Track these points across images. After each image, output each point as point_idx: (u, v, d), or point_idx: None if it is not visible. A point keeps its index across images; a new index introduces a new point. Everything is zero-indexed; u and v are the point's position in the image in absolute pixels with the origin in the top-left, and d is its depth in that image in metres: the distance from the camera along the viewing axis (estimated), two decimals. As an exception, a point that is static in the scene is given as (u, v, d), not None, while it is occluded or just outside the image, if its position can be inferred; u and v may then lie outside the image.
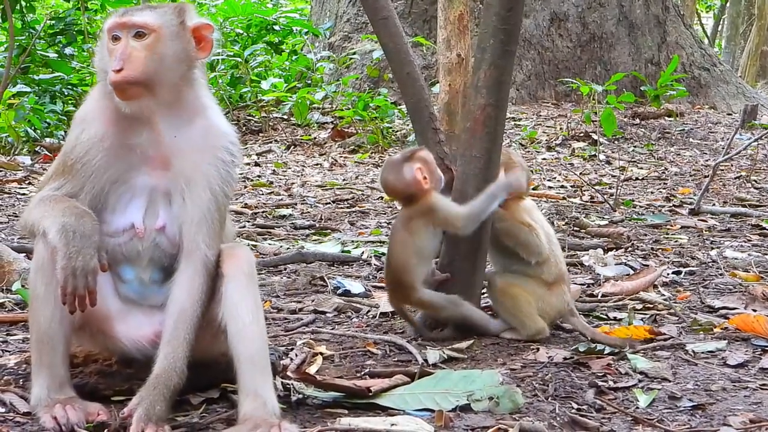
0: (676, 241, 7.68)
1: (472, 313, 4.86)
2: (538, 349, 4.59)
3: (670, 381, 4.15)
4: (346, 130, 14.81)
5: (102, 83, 3.78)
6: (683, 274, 6.37)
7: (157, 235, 3.76)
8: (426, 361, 4.41)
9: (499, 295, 4.89)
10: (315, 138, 14.80)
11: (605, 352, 4.50)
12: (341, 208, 9.63)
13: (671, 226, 8.43)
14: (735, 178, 11.87)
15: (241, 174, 10.74)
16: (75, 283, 3.46)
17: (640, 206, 9.69)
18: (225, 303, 3.66)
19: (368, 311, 5.44)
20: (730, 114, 17.41)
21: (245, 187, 10.87)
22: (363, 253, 7.05)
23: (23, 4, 15.80)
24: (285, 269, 6.63)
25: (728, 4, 31.15)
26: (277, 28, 18.89)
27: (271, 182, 11.56)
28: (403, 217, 4.86)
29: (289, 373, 3.99)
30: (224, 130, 3.87)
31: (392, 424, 3.56)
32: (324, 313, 5.44)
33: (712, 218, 8.85)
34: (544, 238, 4.89)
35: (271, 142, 14.77)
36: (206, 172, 3.77)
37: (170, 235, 3.77)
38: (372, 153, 13.70)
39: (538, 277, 4.87)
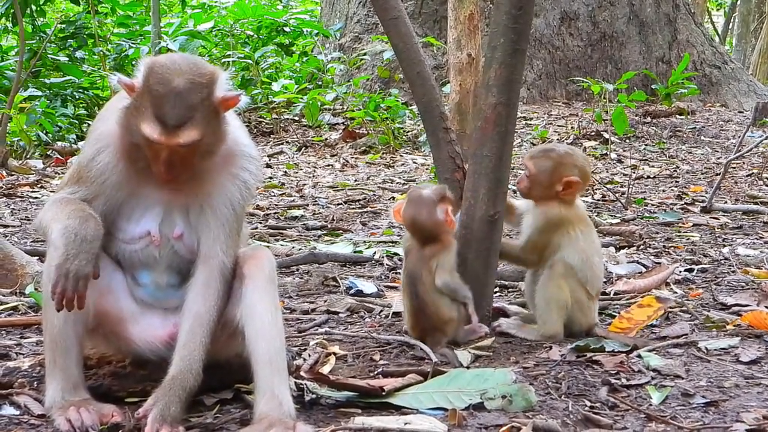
0: (688, 239, 7.67)
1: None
2: (550, 347, 4.59)
3: (683, 378, 4.14)
4: (357, 130, 14.82)
5: (120, 115, 3.69)
6: (695, 271, 6.37)
7: (176, 243, 3.78)
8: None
9: (550, 278, 4.84)
10: (326, 139, 14.82)
11: (607, 349, 4.52)
12: (353, 208, 9.64)
13: (683, 224, 8.41)
14: (747, 176, 11.84)
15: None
16: (65, 285, 3.48)
17: (652, 204, 9.67)
18: (244, 303, 3.68)
19: (381, 311, 5.45)
20: (742, 112, 17.36)
21: (257, 188, 10.88)
22: (375, 253, 7.05)
23: (34, 8, 15.83)
24: (297, 270, 6.64)
25: (739, 2, 31.06)
26: (287, 29, 18.92)
27: (283, 183, 11.57)
28: (422, 258, 4.75)
29: (302, 373, 4.00)
30: (243, 149, 3.87)
31: (406, 423, 3.56)
32: (337, 313, 5.45)
33: (724, 216, 8.83)
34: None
35: (282, 144, 14.79)
36: (225, 187, 3.79)
37: (188, 243, 3.79)
38: (383, 153, 13.70)
39: (584, 286, 4.86)
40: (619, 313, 5.16)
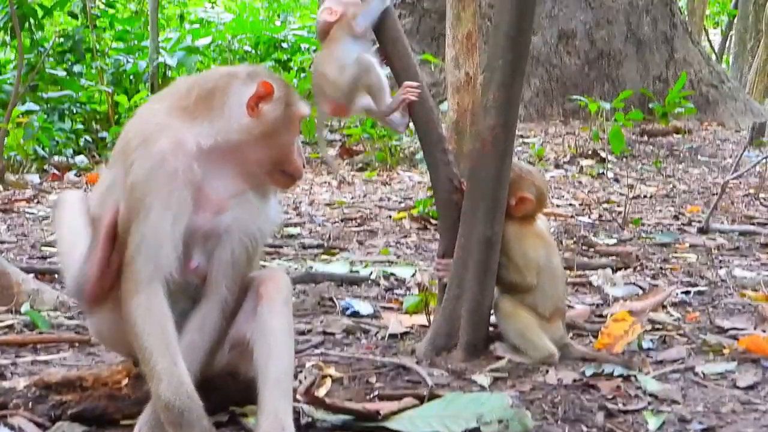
0: (684, 260, 7.66)
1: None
2: (547, 371, 4.58)
3: (679, 403, 4.14)
4: (354, 147, 14.82)
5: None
6: (692, 294, 6.36)
7: (189, 274, 3.68)
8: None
9: (505, 317, 4.85)
10: (323, 156, 14.80)
11: (614, 374, 4.51)
12: (349, 227, 9.62)
13: (680, 244, 8.41)
14: (744, 196, 11.84)
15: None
16: None
17: (649, 224, 9.66)
18: (258, 322, 3.65)
19: (377, 332, 5.43)
20: (739, 131, 17.39)
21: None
22: (371, 273, 7.03)
23: (32, 21, 15.83)
24: (294, 289, 6.61)
25: (736, 21, 31.16)
26: (285, 45, 18.93)
27: (279, 201, 11.54)
28: (327, 42, 5.08)
29: (297, 396, 3.98)
30: None
31: (402, 448, 3.56)
32: (333, 334, 5.43)
33: (720, 236, 8.82)
34: (534, 266, 4.88)
35: (279, 160, 14.75)
36: (249, 218, 3.76)
37: (201, 274, 3.73)
38: (380, 171, 13.69)
39: (534, 309, 4.84)
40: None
